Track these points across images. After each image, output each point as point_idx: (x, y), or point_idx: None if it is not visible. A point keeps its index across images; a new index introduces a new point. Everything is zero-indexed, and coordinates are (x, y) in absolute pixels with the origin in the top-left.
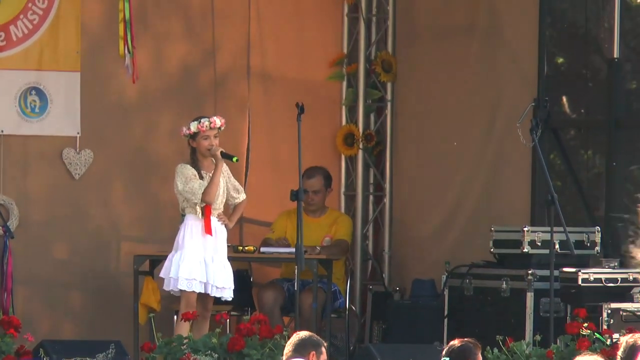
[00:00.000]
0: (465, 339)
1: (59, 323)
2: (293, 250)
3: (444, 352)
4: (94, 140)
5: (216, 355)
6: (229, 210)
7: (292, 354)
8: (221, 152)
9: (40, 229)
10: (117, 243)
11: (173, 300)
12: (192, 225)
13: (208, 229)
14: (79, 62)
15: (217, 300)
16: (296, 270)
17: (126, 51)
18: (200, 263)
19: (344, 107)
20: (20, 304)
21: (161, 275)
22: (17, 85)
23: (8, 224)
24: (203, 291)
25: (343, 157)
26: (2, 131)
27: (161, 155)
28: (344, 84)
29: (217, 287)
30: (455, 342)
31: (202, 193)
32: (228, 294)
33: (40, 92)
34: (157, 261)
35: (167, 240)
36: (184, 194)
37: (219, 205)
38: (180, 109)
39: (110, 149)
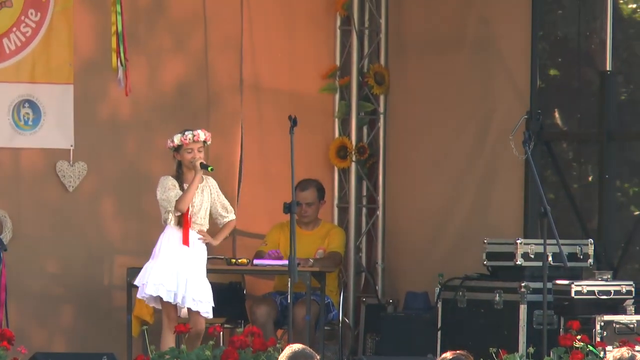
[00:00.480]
0: (458, 351)
1: (52, 336)
2: (286, 262)
3: None
4: (88, 152)
5: None
6: (217, 228)
7: None
8: (200, 163)
9: (33, 242)
10: (110, 256)
11: None
12: (170, 235)
13: (185, 240)
14: (72, 75)
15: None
16: (289, 283)
17: (119, 64)
18: (173, 273)
19: (336, 120)
20: (14, 316)
21: (135, 282)
22: (10, 97)
23: (1, 236)
24: (172, 300)
25: (336, 169)
26: None
27: (154, 170)
28: (337, 96)
29: (193, 299)
30: (448, 355)
31: (177, 201)
32: (204, 309)
33: (33, 105)
34: None
35: None
36: (160, 202)
37: (200, 220)
38: (173, 123)
39: (103, 161)
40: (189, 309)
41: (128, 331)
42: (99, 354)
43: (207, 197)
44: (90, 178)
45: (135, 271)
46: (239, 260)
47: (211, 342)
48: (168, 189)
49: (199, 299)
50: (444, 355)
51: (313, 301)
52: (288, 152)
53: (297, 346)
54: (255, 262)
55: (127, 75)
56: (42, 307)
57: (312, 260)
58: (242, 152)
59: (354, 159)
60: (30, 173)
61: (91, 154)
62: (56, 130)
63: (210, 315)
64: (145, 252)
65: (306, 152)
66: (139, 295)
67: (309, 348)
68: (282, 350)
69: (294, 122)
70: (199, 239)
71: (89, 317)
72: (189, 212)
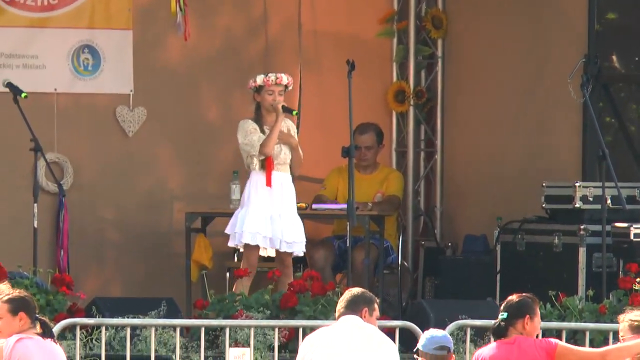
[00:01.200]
0: (523, 294)
1: (111, 281)
2: (345, 206)
3: (502, 307)
4: (147, 98)
5: (269, 312)
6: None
7: (345, 310)
8: (282, 106)
9: (93, 187)
10: (169, 201)
11: (225, 257)
12: (257, 181)
13: (268, 182)
14: (131, 20)
15: (269, 257)
16: (348, 227)
17: (178, 9)
18: (266, 218)
19: (394, 64)
20: (73, 262)
21: (227, 231)
22: (69, 43)
23: (62, 182)
24: (268, 246)
25: (394, 113)
26: (55, 89)
27: (212, 116)
28: (395, 40)
29: (286, 242)
30: (513, 297)
31: (260, 145)
32: (298, 248)
33: (93, 50)
34: (209, 218)
35: (218, 197)
36: (243, 147)
37: (282, 159)
38: (232, 69)
39: (162, 107)
40: (277, 251)
41: (187, 276)
42: (158, 298)
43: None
44: (150, 123)
45: (193, 216)
46: (298, 205)
47: (270, 287)
48: (250, 133)
49: (293, 240)
50: (509, 297)
51: (372, 245)
52: (346, 96)
53: (356, 290)
54: (314, 206)
55: (186, 21)
56: (100, 252)
57: (370, 204)
58: (301, 97)
59: (411, 102)
60: (90, 118)
61: (150, 100)
62: (116, 76)
63: (301, 254)
64: (203, 197)
65: (364, 97)
66: (230, 244)
67: (368, 292)
68: (341, 294)
69: (352, 66)
70: (285, 177)
71: (148, 262)
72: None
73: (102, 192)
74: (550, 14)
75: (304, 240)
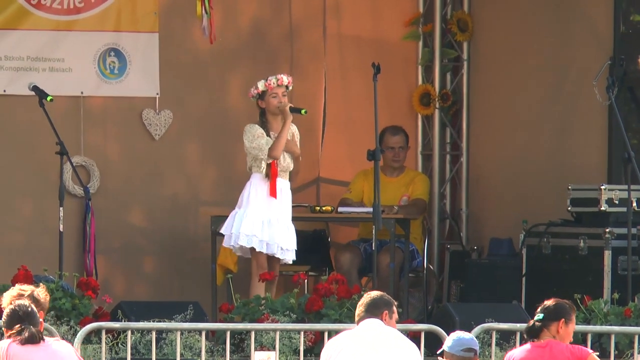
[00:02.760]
0: (561, 300)
1: (137, 285)
2: (371, 210)
3: (538, 309)
4: (173, 100)
5: (294, 315)
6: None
7: (365, 314)
8: (290, 107)
9: (119, 191)
10: (195, 204)
11: (250, 261)
12: (257, 185)
13: (273, 192)
14: (157, 23)
15: (296, 261)
16: (374, 230)
17: (203, 12)
18: (263, 222)
19: (420, 67)
20: (99, 266)
21: (222, 231)
22: (96, 46)
23: (89, 185)
24: (264, 250)
25: (419, 116)
26: (82, 92)
27: (240, 117)
28: (420, 43)
29: (281, 249)
30: (551, 301)
31: (269, 148)
32: (290, 256)
33: (119, 53)
34: None
35: None
36: (251, 150)
37: (284, 166)
38: (257, 69)
39: (188, 109)
40: (269, 256)
41: (212, 280)
42: (184, 302)
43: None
44: (176, 126)
45: (219, 219)
46: (323, 208)
47: (296, 290)
48: (257, 137)
49: (287, 247)
50: (546, 302)
51: (397, 248)
52: (371, 99)
53: (375, 293)
54: (340, 209)
55: (212, 23)
56: (126, 256)
57: (396, 208)
58: (326, 100)
59: (437, 105)
60: (117, 122)
61: (176, 102)
62: (142, 79)
63: (290, 261)
64: (230, 200)
65: (389, 100)
66: (225, 244)
67: (386, 294)
68: None
69: (377, 69)
70: (284, 184)
71: (174, 266)
72: (276, 161)
73: (128, 196)
74: (575, 16)
75: (295, 248)
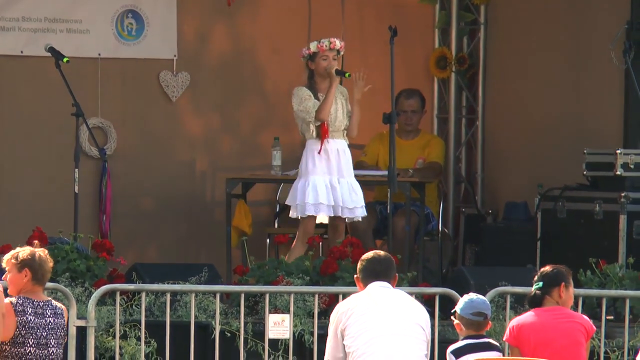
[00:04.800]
0: (557, 265)
1: (151, 247)
2: (386, 172)
3: (536, 278)
4: (190, 63)
5: (308, 278)
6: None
7: (375, 277)
8: (335, 70)
9: (135, 152)
10: (212, 167)
11: (265, 223)
12: (313, 150)
13: (321, 149)
14: None
15: (322, 224)
16: (389, 193)
17: None
18: (327, 187)
19: (436, 30)
20: (114, 228)
21: (287, 202)
22: (113, 8)
23: (106, 147)
24: (332, 214)
25: (436, 80)
26: (99, 54)
27: (257, 82)
28: (437, 6)
29: (348, 209)
30: (547, 268)
31: (316, 111)
32: (360, 213)
33: (136, 15)
34: (250, 184)
35: (259, 164)
36: (298, 113)
37: (338, 126)
38: (276, 34)
39: (206, 72)
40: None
41: (227, 242)
42: (199, 265)
43: (341, 105)
44: (193, 88)
45: (234, 182)
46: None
47: (310, 253)
48: (305, 100)
49: (354, 205)
50: (543, 268)
51: (412, 211)
52: (388, 62)
53: (379, 255)
54: (355, 172)
55: None
56: (141, 218)
57: (411, 171)
58: (343, 63)
59: (453, 69)
60: (134, 83)
61: (194, 65)
62: (159, 41)
63: (360, 218)
64: (246, 164)
65: (406, 63)
66: (292, 215)
67: (382, 252)
68: None
69: (394, 32)
70: (343, 143)
71: (189, 229)
72: (326, 122)
73: (144, 158)
74: None
75: (363, 204)
